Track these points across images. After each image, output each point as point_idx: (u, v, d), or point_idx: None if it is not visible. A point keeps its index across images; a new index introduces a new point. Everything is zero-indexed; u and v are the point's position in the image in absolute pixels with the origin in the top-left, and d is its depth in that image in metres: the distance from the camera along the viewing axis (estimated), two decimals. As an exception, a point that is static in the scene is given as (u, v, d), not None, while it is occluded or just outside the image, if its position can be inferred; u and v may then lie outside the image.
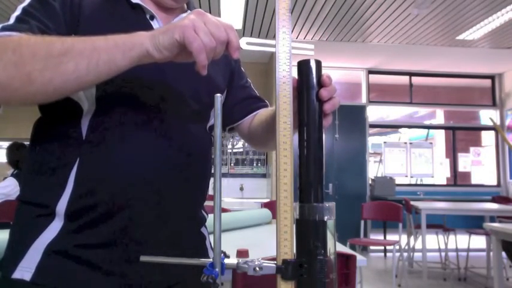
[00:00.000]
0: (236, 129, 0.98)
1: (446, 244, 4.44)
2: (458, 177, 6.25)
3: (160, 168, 0.71)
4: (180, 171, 0.74)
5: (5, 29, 0.63)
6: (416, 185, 6.33)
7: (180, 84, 0.76)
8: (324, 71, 0.55)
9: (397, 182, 5.74)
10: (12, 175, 3.17)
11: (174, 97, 0.76)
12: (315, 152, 0.51)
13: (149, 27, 0.76)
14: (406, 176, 5.99)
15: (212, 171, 0.75)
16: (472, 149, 6.37)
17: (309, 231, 0.49)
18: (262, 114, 0.93)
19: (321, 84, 0.54)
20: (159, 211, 0.72)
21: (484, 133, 6.74)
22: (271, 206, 3.06)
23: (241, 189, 5.78)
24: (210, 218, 1.71)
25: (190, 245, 0.80)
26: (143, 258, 0.56)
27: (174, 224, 0.75)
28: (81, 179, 0.68)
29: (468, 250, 4.21)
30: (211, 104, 0.80)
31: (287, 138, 0.50)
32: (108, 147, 0.69)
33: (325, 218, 0.49)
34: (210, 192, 0.72)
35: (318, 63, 0.54)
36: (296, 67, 0.55)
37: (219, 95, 0.51)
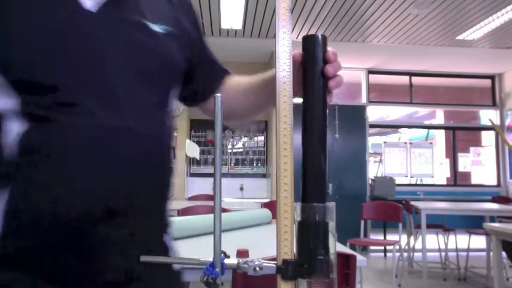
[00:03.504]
0: (205, 103, 0.88)
1: (446, 244, 4.44)
2: (458, 177, 6.25)
3: (114, 178, 0.59)
4: (137, 174, 0.62)
5: None
6: (416, 185, 6.33)
7: (126, 65, 0.63)
8: (331, 49, 0.54)
9: (397, 182, 5.74)
10: None
11: (120, 84, 0.62)
12: (319, 128, 0.52)
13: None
14: (406, 176, 5.99)
15: (172, 165, 0.68)
16: (472, 149, 6.37)
17: (310, 232, 0.49)
18: (242, 82, 0.86)
19: (325, 60, 0.54)
20: (122, 229, 0.60)
21: (484, 133, 6.74)
22: (271, 206, 3.06)
23: (241, 189, 5.78)
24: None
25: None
26: (143, 258, 0.55)
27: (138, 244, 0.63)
28: (13, 214, 0.55)
29: (468, 250, 4.21)
30: (168, 84, 0.71)
31: (287, 138, 0.50)
32: (51, 166, 0.56)
33: (327, 218, 0.49)
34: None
35: (324, 39, 0.54)
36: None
37: (219, 95, 0.51)
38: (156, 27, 0.68)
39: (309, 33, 0.54)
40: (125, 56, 0.63)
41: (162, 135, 0.68)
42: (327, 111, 0.53)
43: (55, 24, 0.59)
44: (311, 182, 0.51)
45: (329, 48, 0.54)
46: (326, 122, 0.52)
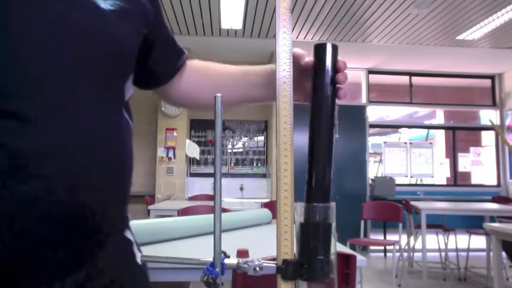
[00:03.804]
0: (165, 88, 0.80)
1: (446, 244, 4.44)
2: (458, 177, 6.25)
3: (71, 195, 0.51)
4: (85, 168, 0.53)
5: None
6: (416, 185, 6.34)
7: (67, 55, 0.52)
8: (342, 60, 0.56)
9: (397, 182, 5.74)
10: None
11: (60, 71, 0.51)
12: (327, 136, 0.52)
13: None
14: (406, 176, 5.99)
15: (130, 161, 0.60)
16: (472, 149, 6.37)
17: (314, 231, 0.49)
18: (213, 69, 0.81)
19: (336, 69, 0.55)
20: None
21: (484, 133, 6.74)
22: (271, 206, 3.06)
23: (241, 189, 5.78)
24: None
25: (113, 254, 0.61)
26: (143, 258, 0.56)
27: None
28: None
29: (468, 250, 4.21)
30: (121, 73, 0.61)
31: (287, 138, 0.50)
32: None
33: (330, 218, 0.49)
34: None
35: (335, 48, 0.55)
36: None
37: (219, 94, 0.51)
38: (104, 4, 0.57)
39: (319, 41, 0.55)
40: (64, 43, 0.51)
41: (118, 136, 0.59)
42: (335, 117, 0.54)
43: None
44: (316, 182, 0.51)
45: (339, 58, 0.55)
46: (333, 128, 0.53)
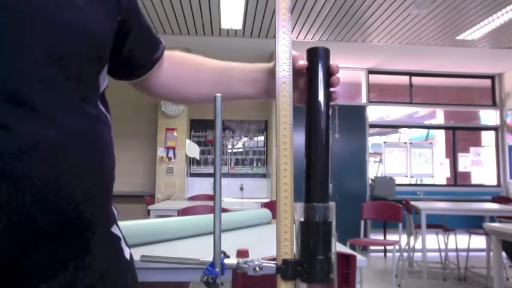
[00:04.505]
0: (144, 79, 0.77)
1: (446, 244, 4.44)
2: (458, 177, 6.25)
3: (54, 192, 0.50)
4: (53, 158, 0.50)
5: None
6: (416, 185, 6.34)
7: (36, 48, 0.49)
8: (334, 63, 0.57)
9: (397, 182, 5.74)
10: None
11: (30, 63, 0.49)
12: (324, 134, 0.53)
13: None
14: (406, 176, 5.99)
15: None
16: (472, 149, 6.37)
17: (314, 231, 0.49)
18: (195, 61, 0.80)
19: (329, 72, 0.56)
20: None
21: (484, 133, 6.74)
22: (271, 206, 3.06)
23: (241, 189, 5.78)
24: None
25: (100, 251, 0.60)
26: (143, 258, 0.56)
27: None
28: None
29: (468, 250, 4.21)
30: (95, 66, 0.58)
31: (287, 138, 0.50)
32: None
33: (329, 218, 0.49)
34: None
35: (328, 51, 0.56)
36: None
37: (219, 95, 0.51)
38: None
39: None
40: (32, 32, 0.48)
41: (94, 129, 0.57)
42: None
43: None
44: (315, 182, 0.51)
45: (337, 60, 0.57)
46: (329, 129, 0.54)
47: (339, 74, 0.60)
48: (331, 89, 0.57)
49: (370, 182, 5.81)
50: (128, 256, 0.67)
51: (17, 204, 0.46)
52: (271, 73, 0.74)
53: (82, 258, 0.56)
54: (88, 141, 0.55)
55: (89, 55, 0.56)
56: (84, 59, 0.55)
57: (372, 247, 5.47)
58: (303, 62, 0.58)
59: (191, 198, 4.71)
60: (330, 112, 0.55)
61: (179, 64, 0.80)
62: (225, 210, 2.47)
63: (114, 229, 0.66)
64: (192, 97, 0.82)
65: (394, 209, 3.77)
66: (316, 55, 0.55)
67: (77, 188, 0.53)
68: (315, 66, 0.55)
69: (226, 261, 0.49)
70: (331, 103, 0.59)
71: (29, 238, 0.48)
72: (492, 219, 4.31)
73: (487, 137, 6.57)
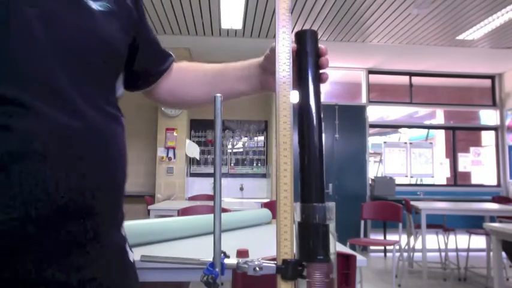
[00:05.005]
0: (151, 89, 0.85)
1: (446, 244, 4.44)
2: (458, 177, 6.25)
3: (76, 180, 0.55)
4: (77, 159, 0.56)
5: None
6: (416, 185, 6.34)
7: (64, 51, 0.56)
8: (323, 45, 0.58)
9: (397, 182, 5.74)
10: None
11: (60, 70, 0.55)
12: (317, 121, 0.53)
13: None
14: (406, 176, 5.99)
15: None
16: (472, 149, 6.37)
17: (310, 232, 0.49)
18: (201, 68, 0.86)
19: (318, 53, 0.57)
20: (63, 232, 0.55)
21: (484, 133, 6.74)
22: (271, 206, 3.06)
23: (241, 189, 5.78)
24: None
25: (111, 255, 0.64)
26: (143, 258, 0.55)
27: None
28: None
29: (468, 250, 4.21)
30: (111, 72, 0.66)
31: (287, 138, 0.50)
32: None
33: (327, 218, 0.49)
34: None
35: (315, 33, 0.57)
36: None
37: (218, 95, 0.51)
38: (94, 4, 0.60)
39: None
40: (60, 40, 0.55)
41: (113, 127, 0.63)
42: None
43: None
44: (310, 182, 0.51)
45: (320, 45, 0.57)
46: (321, 109, 0.54)
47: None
48: (321, 71, 0.58)
49: (370, 182, 5.81)
50: (131, 259, 0.69)
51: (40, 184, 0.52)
52: (262, 67, 0.78)
53: (95, 247, 0.59)
54: (108, 135, 0.62)
55: (107, 62, 0.63)
56: (102, 65, 0.62)
57: (371, 247, 5.47)
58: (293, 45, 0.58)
59: (191, 198, 4.71)
60: (321, 95, 0.56)
61: (180, 70, 0.87)
62: (225, 210, 2.47)
63: (122, 230, 0.69)
64: (192, 100, 0.87)
65: (394, 209, 3.77)
66: (305, 38, 0.56)
67: (93, 178, 0.58)
68: (304, 48, 0.55)
69: (226, 261, 0.49)
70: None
71: (56, 214, 0.53)
72: (492, 219, 4.31)
73: (487, 137, 6.57)
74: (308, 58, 0.55)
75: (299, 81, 0.54)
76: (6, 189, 0.50)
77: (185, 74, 0.86)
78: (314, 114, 0.53)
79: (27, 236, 0.52)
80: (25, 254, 0.52)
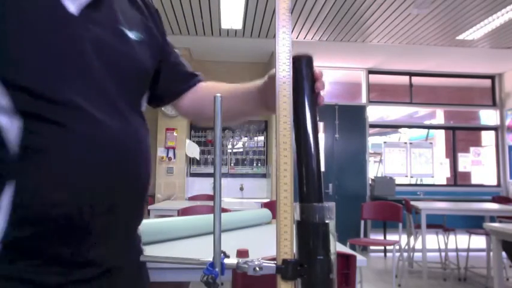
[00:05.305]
0: (175, 105, 0.96)
1: (446, 244, 4.44)
2: (458, 177, 6.25)
3: (104, 172, 0.64)
4: (123, 165, 0.68)
5: None
6: (416, 185, 6.33)
7: (107, 68, 0.68)
8: (318, 69, 0.59)
9: (397, 182, 5.74)
10: None
11: (97, 87, 0.67)
12: (314, 139, 0.53)
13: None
14: (406, 176, 5.99)
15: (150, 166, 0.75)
16: (472, 149, 6.37)
17: (309, 231, 0.49)
18: (221, 88, 0.92)
19: (314, 78, 0.57)
20: (111, 219, 0.66)
21: (484, 133, 6.74)
22: (271, 206, 3.06)
23: (241, 189, 5.78)
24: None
25: (133, 256, 0.73)
26: (143, 258, 0.56)
27: (124, 233, 0.71)
28: (21, 204, 0.58)
29: (468, 250, 4.21)
30: (141, 89, 0.80)
31: (287, 138, 0.50)
32: (51, 162, 0.60)
33: (326, 218, 0.49)
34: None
35: (311, 59, 0.58)
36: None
37: (219, 95, 0.51)
38: (131, 35, 0.75)
39: (297, 53, 0.57)
40: (105, 59, 0.68)
41: (145, 136, 0.75)
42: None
43: (42, 25, 0.62)
44: (308, 182, 0.51)
45: (315, 68, 0.58)
46: (318, 132, 0.55)
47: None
48: (317, 93, 0.59)
49: (370, 182, 5.81)
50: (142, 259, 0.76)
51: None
52: (260, 91, 0.83)
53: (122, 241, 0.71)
54: (142, 138, 0.74)
55: (139, 81, 0.77)
56: (135, 84, 0.76)
57: (372, 247, 5.47)
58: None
59: (191, 198, 4.70)
60: (317, 116, 0.57)
61: (206, 88, 0.95)
62: (225, 210, 2.47)
63: (139, 231, 0.80)
64: (209, 116, 0.94)
65: (394, 209, 3.77)
66: (301, 63, 0.56)
67: (126, 181, 0.68)
68: (299, 73, 0.56)
69: (226, 261, 0.49)
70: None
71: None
72: (492, 219, 4.31)
73: (487, 137, 6.57)
74: (304, 83, 0.56)
75: (296, 104, 0.54)
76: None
77: (208, 90, 0.95)
78: (310, 133, 0.53)
79: (84, 222, 0.62)
80: (79, 237, 0.62)
